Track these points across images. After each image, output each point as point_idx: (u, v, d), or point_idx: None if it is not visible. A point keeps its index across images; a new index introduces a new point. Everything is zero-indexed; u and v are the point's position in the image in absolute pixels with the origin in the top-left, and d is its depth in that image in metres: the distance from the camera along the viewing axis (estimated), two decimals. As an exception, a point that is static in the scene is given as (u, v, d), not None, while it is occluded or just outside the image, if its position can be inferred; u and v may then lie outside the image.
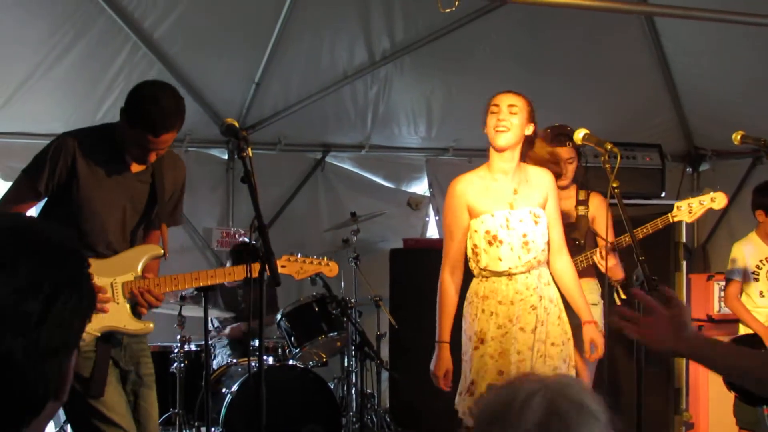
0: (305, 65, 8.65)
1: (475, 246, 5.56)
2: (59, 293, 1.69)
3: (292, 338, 7.68)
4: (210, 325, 7.40)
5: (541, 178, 5.69)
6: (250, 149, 4.24)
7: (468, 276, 5.73)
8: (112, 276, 4.75)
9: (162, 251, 4.92)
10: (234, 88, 8.76)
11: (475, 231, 5.55)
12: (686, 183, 10.21)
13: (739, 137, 5.85)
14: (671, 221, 6.16)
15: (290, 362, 7.60)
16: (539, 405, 2.00)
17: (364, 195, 9.66)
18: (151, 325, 4.85)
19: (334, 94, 8.95)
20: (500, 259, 5.49)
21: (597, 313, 6.15)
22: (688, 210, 6.14)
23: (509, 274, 5.51)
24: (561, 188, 6.15)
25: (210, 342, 7.56)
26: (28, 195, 4.78)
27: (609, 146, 5.17)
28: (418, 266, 8.42)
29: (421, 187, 10.17)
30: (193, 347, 7.53)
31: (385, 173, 10.01)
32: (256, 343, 5.86)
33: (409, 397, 7.95)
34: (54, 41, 7.62)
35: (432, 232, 10.15)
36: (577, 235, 6.35)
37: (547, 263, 5.68)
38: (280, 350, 7.77)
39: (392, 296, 8.57)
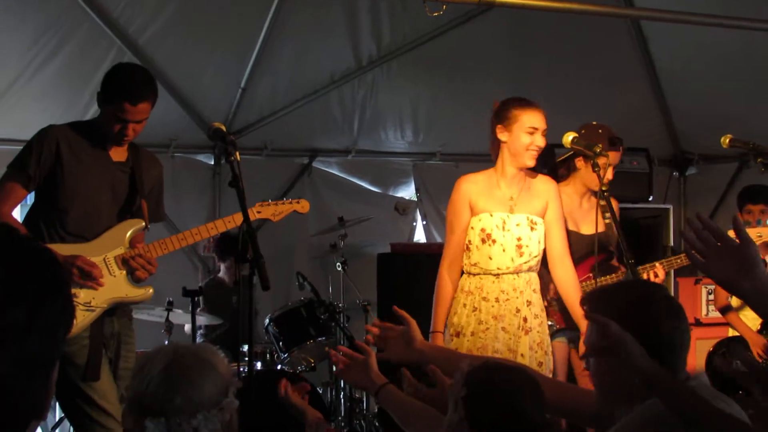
0: (292, 70, 8.62)
1: (469, 242, 5.61)
2: (44, 300, 1.67)
3: (280, 343, 7.63)
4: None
5: (543, 185, 5.75)
6: (237, 153, 4.23)
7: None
8: (103, 253, 5.05)
9: (143, 223, 5.19)
10: (220, 94, 8.72)
11: (472, 228, 5.61)
12: (673, 187, 10.22)
13: (727, 141, 5.84)
14: None
15: (278, 367, 7.57)
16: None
17: (351, 200, 9.63)
18: (151, 290, 5.20)
19: (320, 98, 8.93)
20: (490, 258, 5.54)
21: None
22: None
23: (497, 274, 5.55)
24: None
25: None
26: (17, 186, 4.99)
27: (597, 149, 5.17)
28: (405, 270, 8.42)
29: (408, 191, 10.14)
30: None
31: (372, 178, 9.98)
32: (245, 348, 5.85)
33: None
34: (38, 47, 7.57)
35: (419, 237, 10.14)
36: (610, 245, 6.27)
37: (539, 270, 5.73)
38: (268, 355, 7.74)
39: (380, 301, 8.55)
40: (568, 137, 5.37)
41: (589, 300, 3.20)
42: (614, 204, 6.29)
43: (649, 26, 8.65)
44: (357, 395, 8.12)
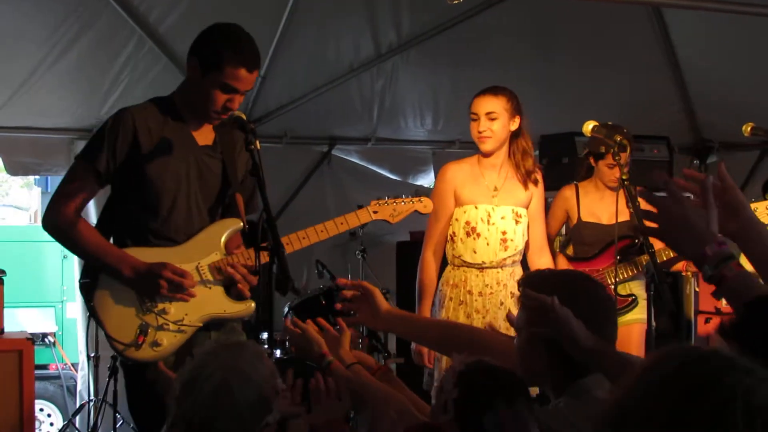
0: (311, 58, 8.61)
1: (454, 234, 5.65)
2: None
3: (300, 331, 7.63)
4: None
5: (528, 175, 5.76)
6: (258, 142, 4.17)
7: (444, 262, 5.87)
8: (196, 260, 4.42)
9: (241, 223, 4.50)
10: (240, 82, 8.70)
11: (456, 219, 5.65)
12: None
13: (749, 129, 5.81)
14: None
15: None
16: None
17: (370, 188, 9.61)
18: (253, 304, 4.44)
19: (340, 87, 8.91)
20: (475, 252, 5.60)
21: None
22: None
23: (480, 267, 5.57)
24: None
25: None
26: (86, 181, 4.39)
27: (618, 138, 5.15)
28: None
29: (427, 179, 10.14)
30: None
31: (392, 166, 9.98)
32: (265, 335, 5.83)
33: (416, 389, 7.92)
34: (58, 35, 7.58)
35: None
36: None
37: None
38: (287, 343, 7.74)
39: (399, 289, 8.55)
40: (588, 126, 5.34)
41: (525, 282, 3.29)
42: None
43: (670, 14, 8.59)
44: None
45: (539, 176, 5.85)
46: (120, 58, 7.93)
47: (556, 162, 7.78)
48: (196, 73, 4.32)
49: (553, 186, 7.66)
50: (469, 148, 9.64)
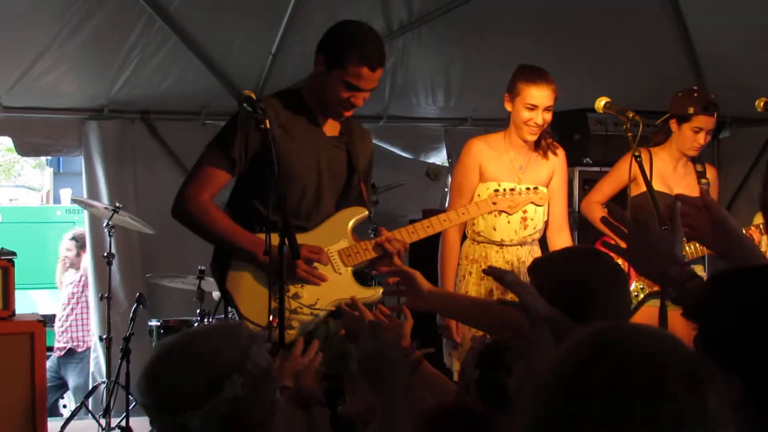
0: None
1: None
2: None
3: (312, 311, 7.64)
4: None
5: (551, 153, 5.74)
6: (267, 121, 4.15)
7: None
8: (325, 247, 4.53)
9: (366, 212, 4.70)
10: (251, 60, 8.67)
11: (479, 195, 5.60)
12: (707, 150, 10.10)
13: (762, 104, 5.80)
14: None
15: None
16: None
17: (382, 166, 9.51)
18: (381, 291, 4.59)
19: (350, 65, 8.87)
20: (495, 229, 5.58)
21: None
22: None
23: (500, 244, 5.57)
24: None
25: (230, 314, 7.55)
26: (220, 169, 4.49)
27: (631, 115, 5.13)
28: (438, 237, 8.39)
29: (439, 157, 10.12)
30: (212, 321, 7.50)
31: (404, 144, 9.94)
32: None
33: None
34: (69, 15, 7.54)
35: (451, 203, 10.12)
36: None
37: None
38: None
39: (412, 266, 8.51)
40: (601, 102, 5.31)
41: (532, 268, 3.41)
42: (712, 172, 6.23)
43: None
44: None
45: (562, 151, 5.82)
46: (130, 37, 7.90)
47: (568, 139, 7.73)
48: (321, 70, 4.48)
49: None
50: (480, 125, 9.63)
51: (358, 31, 4.51)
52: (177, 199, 4.56)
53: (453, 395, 3.29)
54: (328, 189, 4.62)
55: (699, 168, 6.24)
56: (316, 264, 4.44)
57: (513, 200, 4.98)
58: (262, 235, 4.33)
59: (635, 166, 5.18)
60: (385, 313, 4.02)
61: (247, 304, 4.36)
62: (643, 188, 5.50)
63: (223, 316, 7.24)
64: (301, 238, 4.37)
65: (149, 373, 2.72)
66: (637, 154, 5.04)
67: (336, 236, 4.56)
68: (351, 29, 4.52)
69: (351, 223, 4.60)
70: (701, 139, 6.02)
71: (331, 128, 4.66)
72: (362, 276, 4.63)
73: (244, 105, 4.19)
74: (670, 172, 6.16)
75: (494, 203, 4.96)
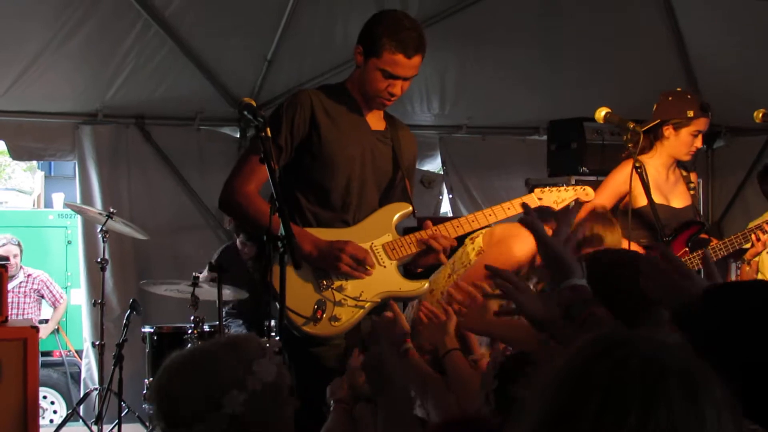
0: (318, 42, 8.56)
1: None
2: None
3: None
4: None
5: None
6: (268, 129, 4.14)
7: None
8: (369, 240, 4.53)
9: (410, 207, 4.69)
10: (246, 66, 8.67)
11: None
12: (701, 160, 10.14)
13: (760, 115, 5.78)
14: None
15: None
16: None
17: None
18: (426, 284, 4.60)
19: (347, 70, 8.82)
20: None
21: None
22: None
23: None
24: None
25: (224, 322, 7.53)
26: None
27: (632, 125, 5.11)
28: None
29: (434, 164, 10.10)
30: (206, 328, 7.46)
31: (398, 151, 9.93)
32: (272, 323, 5.79)
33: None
34: (63, 19, 7.54)
35: (445, 210, 10.10)
36: (699, 216, 6.15)
37: None
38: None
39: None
40: (601, 113, 5.25)
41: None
42: (693, 177, 6.21)
43: (678, -3, 8.57)
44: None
45: None
46: (125, 42, 7.90)
47: (565, 147, 7.73)
48: (360, 61, 4.52)
49: (560, 172, 7.64)
50: (475, 133, 9.64)
51: (393, 19, 4.49)
52: (224, 190, 4.55)
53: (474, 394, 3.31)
54: (372, 181, 4.63)
55: (683, 173, 6.18)
56: (360, 259, 4.42)
57: (558, 196, 4.90)
58: (309, 229, 4.40)
59: (636, 178, 5.14)
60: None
61: (290, 297, 4.33)
62: (643, 201, 5.45)
63: (216, 323, 7.24)
64: (346, 233, 4.48)
65: (155, 384, 2.74)
66: (638, 165, 5.01)
67: (381, 230, 4.56)
68: (386, 17, 4.51)
69: (395, 218, 4.61)
70: (699, 142, 5.94)
71: (377, 122, 4.69)
72: (408, 269, 4.60)
73: (245, 113, 4.14)
74: (663, 181, 6.04)
75: (540, 198, 4.88)
